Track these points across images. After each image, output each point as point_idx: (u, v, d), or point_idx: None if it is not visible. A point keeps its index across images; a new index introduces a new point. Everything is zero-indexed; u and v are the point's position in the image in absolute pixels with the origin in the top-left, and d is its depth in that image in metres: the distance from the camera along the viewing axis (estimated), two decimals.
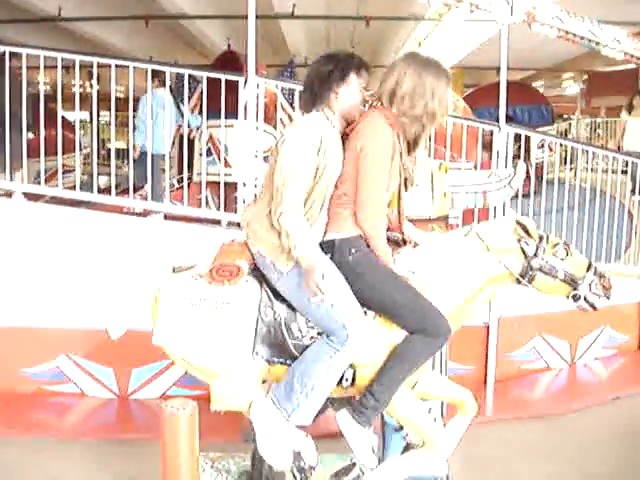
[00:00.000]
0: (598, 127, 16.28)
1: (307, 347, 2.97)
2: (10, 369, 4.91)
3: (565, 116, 18.18)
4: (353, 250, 2.94)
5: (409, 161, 3.06)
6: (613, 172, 6.28)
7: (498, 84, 5.39)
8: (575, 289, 3.10)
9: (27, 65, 5.05)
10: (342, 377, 2.99)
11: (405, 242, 3.23)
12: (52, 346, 4.93)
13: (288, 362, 3.03)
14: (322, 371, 2.89)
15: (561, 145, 6.65)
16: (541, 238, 3.11)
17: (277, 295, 3.01)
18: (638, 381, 5.74)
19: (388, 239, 3.12)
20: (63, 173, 5.12)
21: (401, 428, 3.64)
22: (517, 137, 5.67)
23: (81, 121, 5.76)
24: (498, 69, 5.45)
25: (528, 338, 5.68)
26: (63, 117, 5.34)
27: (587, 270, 3.11)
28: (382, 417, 3.74)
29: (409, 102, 2.95)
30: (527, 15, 5.14)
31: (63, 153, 5.09)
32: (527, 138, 5.67)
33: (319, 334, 2.97)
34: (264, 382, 3.11)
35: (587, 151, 6.01)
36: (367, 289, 2.94)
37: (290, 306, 3.00)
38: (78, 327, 4.76)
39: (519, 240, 3.10)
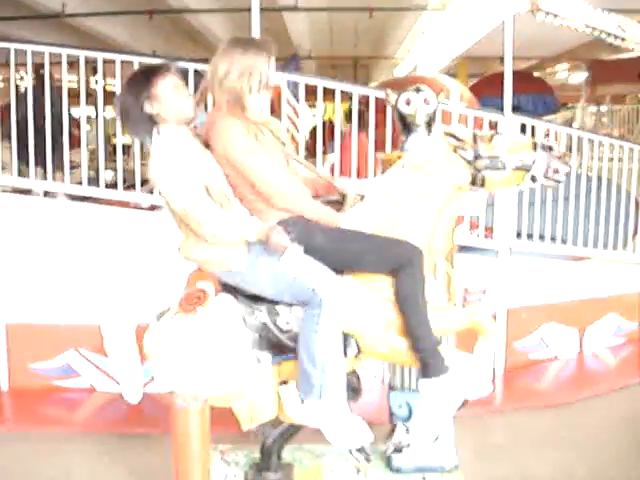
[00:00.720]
0: (603, 115, 16.25)
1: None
2: (20, 365, 4.94)
3: (570, 105, 18.12)
4: (289, 229, 2.88)
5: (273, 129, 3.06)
6: (619, 160, 6.27)
7: (502, 74, 5.37)
8: (529, 170, 3.01)
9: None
10: (345, 347, 2.97)
11: (344, 197, 3.20)
12: (62, 341, 4.96)
13: (291, 356, 3.03)
14: (320, 342, 2.87)
15: (567, 134, 6.61)
16: (475, 138, 3.05)
17: (254, 299, 3.00)
18: None
19: (328, 203, 3.11)
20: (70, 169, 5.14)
21: (408, 418, 3.67)
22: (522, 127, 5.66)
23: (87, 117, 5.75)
24: (502, 58, 5.43)
25: (536, 327, 5.68)
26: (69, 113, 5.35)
27: (534, 149, 3.01)
28: (390, 408, 3.77)
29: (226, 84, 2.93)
30: (531, 4, 5.13)
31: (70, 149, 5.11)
32: (532, 128, 5.65)
33: None
34: (286, 383, 3.08)
35: (593, 140, 5.98)
36: (324, 257, 2.92)
37: (268, 304, 3.00)
38: (87, 323, 4.78)
39: (455, 150, 3.05)
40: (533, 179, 3.02)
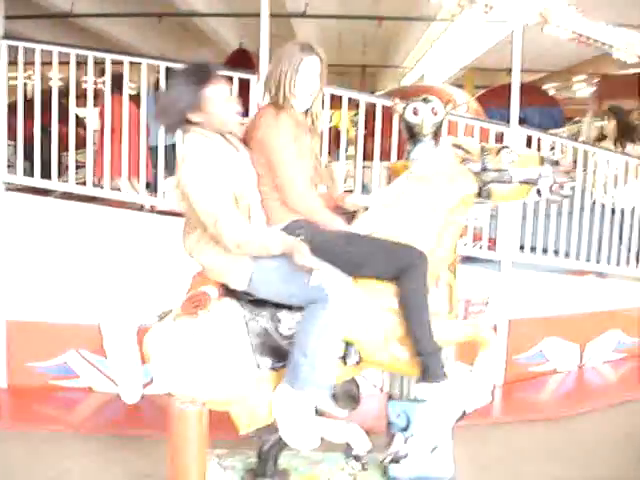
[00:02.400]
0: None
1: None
2: (19, 363, 4.94)
3: (576, 119, 18.11)
4: (297, 232, 2.92)
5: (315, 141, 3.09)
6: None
7: (509, 85, 5.38)
8: (535, 184, 3.01)
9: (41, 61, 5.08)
10: (345, 356, 2.97)
11: (354, 213, 3.20)
12: (61, 341, 4.96)
13: None
14: (316, 337, 2.85)
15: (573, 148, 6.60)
16: (483, 150, 3.05)
17: (256, 304, 3.00)
18: None
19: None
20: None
21: (406, 428, 3.65)
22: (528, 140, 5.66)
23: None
24: (509, 70, 5.43)
25: (536, 341, 5.67)
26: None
27: (541, 163, 3.01)
28: (387, 417, 3.75)
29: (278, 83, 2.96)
30: (540, 17, 5.13)
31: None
32: (538, 140, 5.65)
33: None
34: None
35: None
36: (331, 260, 2.92)
37: (271, 310, 2.99)
38: (87, 323, 4.77)
39: (462, 162, 3.04)
40: (539, 193, 3.02)
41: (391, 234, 3.02)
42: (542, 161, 3.02)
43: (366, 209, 3.16)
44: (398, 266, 2.93)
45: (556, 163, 3.02)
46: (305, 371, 2.88)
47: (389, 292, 2.97)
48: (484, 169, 3.02)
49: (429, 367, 2.93)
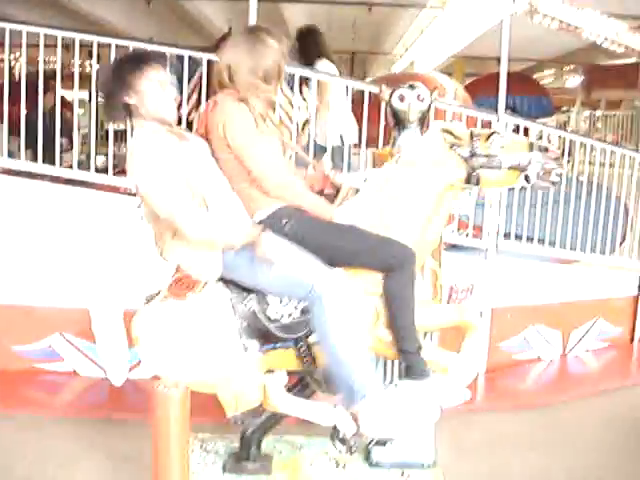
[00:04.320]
0: (597, 120, 16.27)
1: (289, 326, 2.96)
2: (3, 347, 4.93)
3: (564, 108, 18.16)
4: (284, 221, 2.94)
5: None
6: (611, 165, 6.28)
7: (498, 74, 5.38)
8: (523, 170, 3.00)
9: (27, 43, 5.03)
10: None
11: (338, 190, 3.21)
12: (46, 325, 4.95)
13: (278, 346, 3.04)
14: (336, 339, 2.83)
15: (560, 137, 6.64)
16: (472, 136, 3.04)
17: (244, 287, 3.00)
18: (629, 374, 5.79)
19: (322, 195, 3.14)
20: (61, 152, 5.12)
21: None
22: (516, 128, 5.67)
23: (80, 101, 5.71)
24: (499, 59, 5.43)
25: (520, 328, 5.70)
26: (62, 96, 5.33)
27: (530, 149, 3.00)
28: None
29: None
30: (529, 5, 5.13)
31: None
32: (526, 129, 5.66)
33: (295, 308, 2.97)
34: (272, 372, 3.08)
35: (585, 144, 5.99)
36: (316, 251, 2.94)
37: (259, 293, 2.99)
38: (72, 306, 4.76)
39: (451, 147, 3.04)
40: (527, 179, 3.00)
41: (379, 221, 3.02)
42: (531, 147, 3.01)
43: (354, 192, 3.16)
44: (385, 264, 2.94)
45: (545, 150, 3.01)
46: (356, 379, 2.84)
47: (375, 277, 2.98)
48: (473, 154, 3.01)
49: (412, 365, 2.95)
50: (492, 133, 3.05)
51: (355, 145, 5.42)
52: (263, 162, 2.92)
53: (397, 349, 2.96)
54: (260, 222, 2.98)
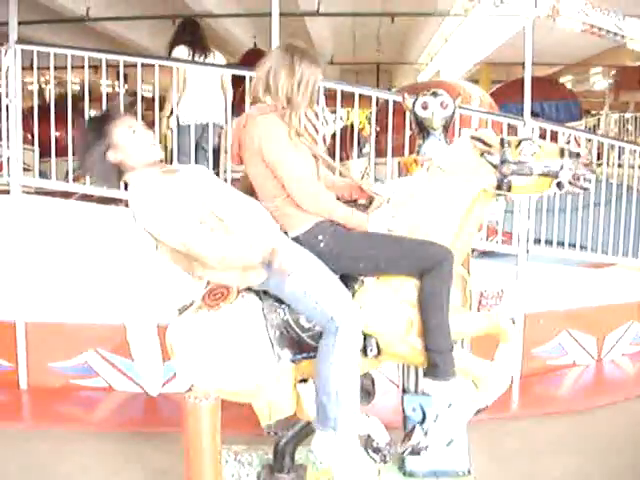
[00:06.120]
0: (627, 122, 16.07)
1: (321, 335, 2.97)
2: (39, 364, 5.00)
3: (593, 112, 17.98)
4: (320, 237, 2.97)
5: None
6: None
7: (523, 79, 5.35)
8: (556, 177, 2.97)
9: (55, 65, 5.13)
10: (365, 348, 2.98)
11: (371, 201, 3.22)
12: (81, 341, 5.02)
13: (312, 355, 3.03)
14: (334, 374, 2.88)
15: (589, 141, 6.59)
16: (502, 143, 3.02)
17: (277, 298, 3.02)
18: None
19: (354, 205, 3.15)
20: None
21: (422, 421, 3.66)
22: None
23: None
24: (524, 64, 5.41)
25: (554, 334, 5.65)
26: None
27: (561, 155, 2.97)
28: (403, 411, 3.76)
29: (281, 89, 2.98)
30: (551, 9, 5.10)
31: None
32: (554, 134, 5.61)
33: None
34: (305, 381, 3.09)
35: (614, 146, 5.94)
36: (353, 263, 2.97)
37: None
38: (106, 322, 4.83)
39: (482, 154, 3.02)
40: (559, 186, 2.98)
41: (412, 230, 3.03)
42: (562, 153, 2.99)
43: (388, 201, 3.16)
44: (424, 266, 2.94)
45: (577, 155, 2.98)
46: (333, 410, 2.90)
47: (409, 285, 2.98)
48: (504, 161, 2.99)
49: (439, 364, 2.94)
50: (523, 140, 3.04)
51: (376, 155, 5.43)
52: (297, 176, 2.94)
53: (426, 348, 2.95)
54: (295, 239, 3.00)
